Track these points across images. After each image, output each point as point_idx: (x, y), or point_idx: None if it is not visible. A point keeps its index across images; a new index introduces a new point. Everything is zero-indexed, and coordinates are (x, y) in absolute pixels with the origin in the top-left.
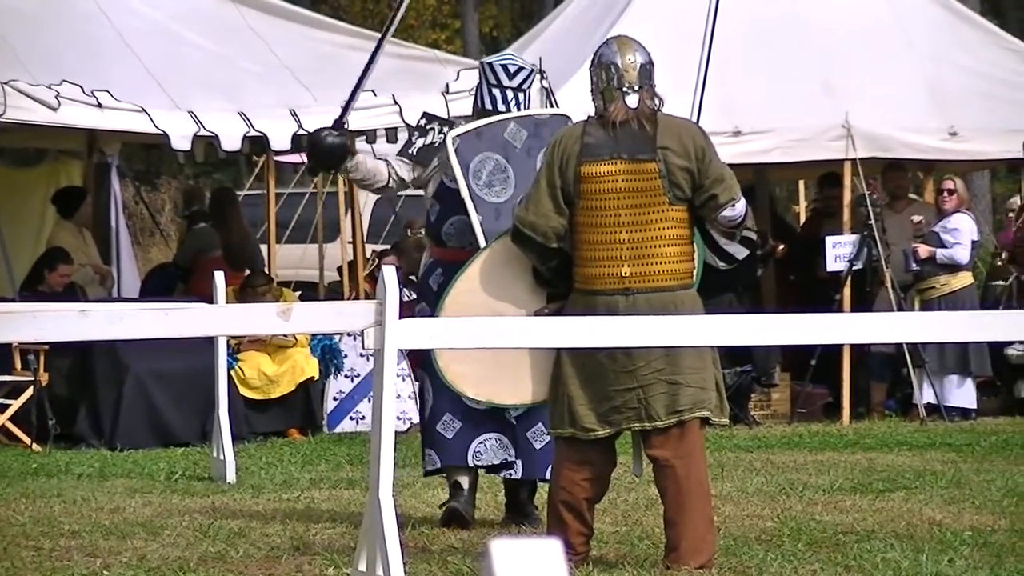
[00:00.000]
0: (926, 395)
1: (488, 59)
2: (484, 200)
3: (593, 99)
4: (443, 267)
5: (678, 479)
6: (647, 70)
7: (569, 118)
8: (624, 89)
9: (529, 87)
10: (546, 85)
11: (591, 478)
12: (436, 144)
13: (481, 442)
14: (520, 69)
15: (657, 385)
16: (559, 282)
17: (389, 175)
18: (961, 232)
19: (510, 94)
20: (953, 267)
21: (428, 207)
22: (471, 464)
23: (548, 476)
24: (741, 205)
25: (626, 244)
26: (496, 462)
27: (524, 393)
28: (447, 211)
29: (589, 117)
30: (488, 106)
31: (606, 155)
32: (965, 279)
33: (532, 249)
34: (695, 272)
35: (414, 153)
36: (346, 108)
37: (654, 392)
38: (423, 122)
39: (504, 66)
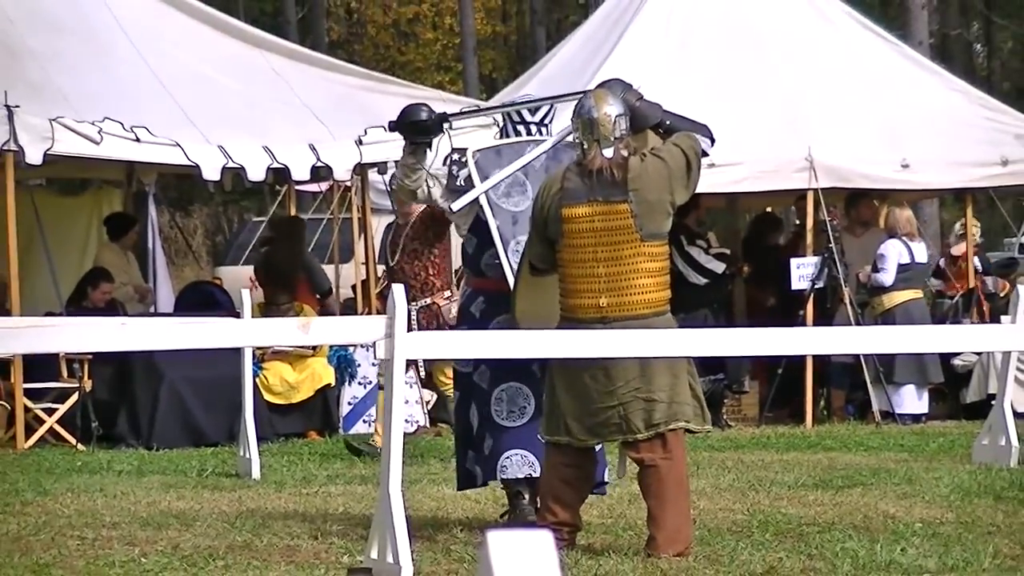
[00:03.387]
0: (881, 402)
1: (511, 101)
2: (501, 207)
3: (574, 146)
4: (484, 295)
5: (660, 478)
6: (620, 121)
7: None
8: (600, 140)
9: (551, 122)
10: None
11: (579, 478)
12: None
13: (508, 457)
14: (540, 108)
15: (635, 403)
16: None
17: (426, 183)
18: (887, 258)
19: (533, 128)
20: (883, 289)
21: (464, 242)
22: (498, 477)
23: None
24: (707, 145)
25: (603, 277)
26: (520, 476)
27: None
28: (485, 244)
29: (570, 164)
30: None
31: (583, 198)
32: (898, 298)
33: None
34: (668, 299)
35: (462, 184)
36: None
37: (633, 409)
38: (455, 156)
39: (528, 109)
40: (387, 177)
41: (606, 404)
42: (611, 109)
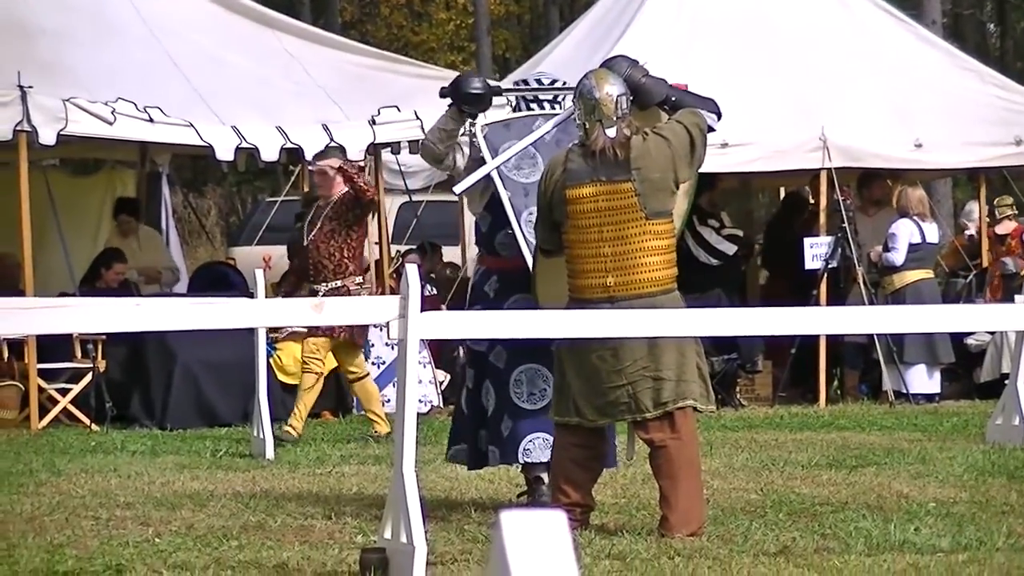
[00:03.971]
0: (894, 382)
1: (524, 75)
2: (512, 179)
3: (577, 127)
4: (498, 275)
5: (671, 458)
6: (621, 100)
7: None
8: (603, 121)
9: (563, 99)
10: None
11: (590, 458)
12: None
13: (532, 440)
14: (554, 80)
15: (643, 381)
16: None
17: (454, 157)
18: (897, 237)
19: (547, 106)
20: (894, 268)
21: (478, 219)
22: (521, 461)
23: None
24: (713, 120)
25: (609, 257)
26: (543, 460)
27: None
28: (499, 222)
29: (572, 146)
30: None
31: (587, 179)
32: (909, 277)
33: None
34: (674, 276)
35: (481, 156)
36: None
37: (641, 388)
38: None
39: (538, 80)
40: (399, 157)
41: (614, 384)
42: (612, 89)
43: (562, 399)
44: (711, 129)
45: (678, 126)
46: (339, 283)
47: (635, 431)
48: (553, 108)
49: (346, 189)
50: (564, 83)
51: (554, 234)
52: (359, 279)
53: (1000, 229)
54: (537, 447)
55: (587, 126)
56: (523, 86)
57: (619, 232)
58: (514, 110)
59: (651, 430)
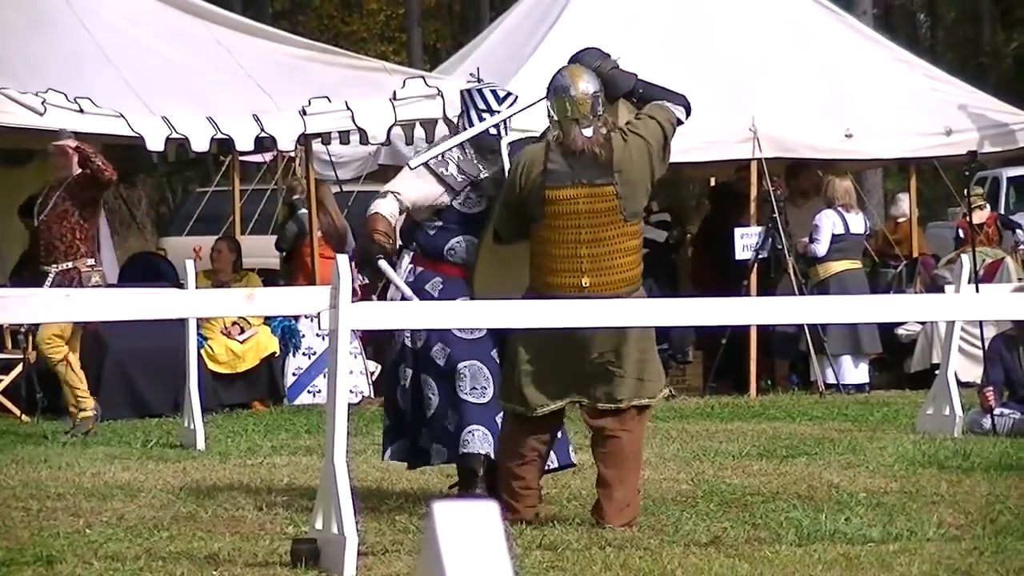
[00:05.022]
0: (824, 373)
1: (474, 87)
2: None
3: (550, 125)
4: (442, 278)
5: (620, 449)
6: (597, 98)
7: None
8: (579, 120)
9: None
10: None
11: (539, 448)
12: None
13: (470, 431)
14: (508, 94)
15: (605, 374)
16: None
17: (402, 210)
18: (820, 228)
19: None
20: (818, 258)
21: (423, 224)
22: (460, 452)
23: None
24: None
25: (586, 258)
26: (480, 451)
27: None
28: (451, 231)
29: (549, 143)
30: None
31: (568, 181)
32: (833, 268)
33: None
34: (641, 273)
35: (457, 179)
36: None
37: (600, 379)
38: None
39: (493, 92)
40: (330, 147)
41: (573, 370)
42: (587, 87)
43: (509, 385)
44: (680, 122)
45: (652, 123)
46: (70, 264)
47: (585, 415)
48: (505, 122)
49: (80, 170)
50: (515, 98)
51: (522, 227)
52: (91, 260)
53: (975, 218)
54: (476, 439)
55: (562, 125)
56: (477, 100)
57: (597, 234)
58: (461, 117)
59: (603, 416)
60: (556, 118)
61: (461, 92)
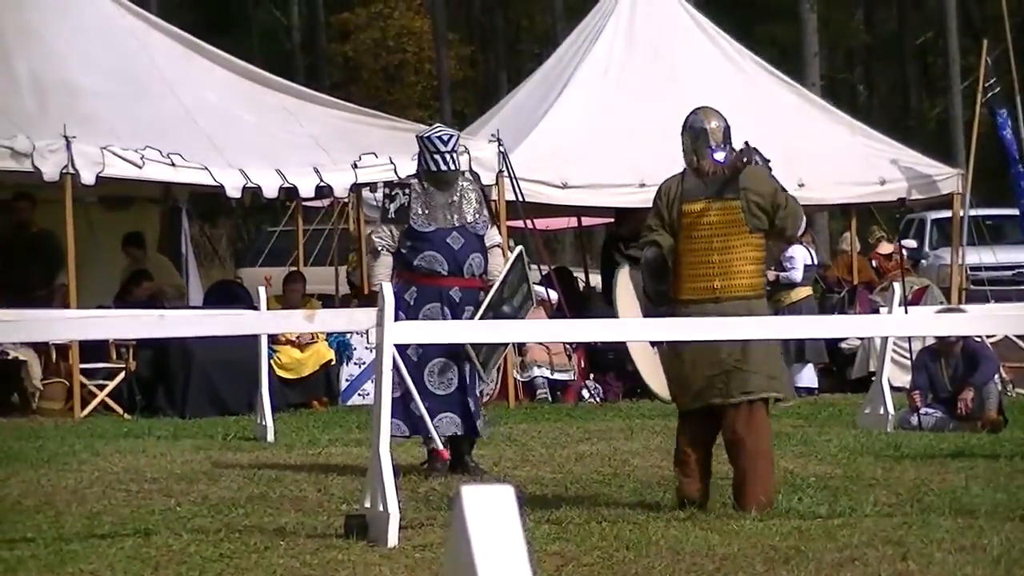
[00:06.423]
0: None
1: (425, 133)
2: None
3: (685, 155)
4: (416, 286)
5: (755, 449)
6: (728, 132)
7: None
8: (712, 147)
9: (457, 148)
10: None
11: (699, 439)
12: (405, 204)
13: (440, 418)
14: (451, 137)
15: (735, 372)
16: (661, 301)
17: (391, 254)
18: (796, 259)
19: (448, 156)
20: (791, 285)
21: (402, 248)
22: (434, 435)
23: (482, 434)
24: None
25: (716, 264)
26: (449, 434)
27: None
28: (419, 248)
29: (685, 170)
30: (434, 168)
31: (701, 196)
32: (802, 293)
33: (653, 269)
34: (764, 282)
35: (392, 216)
36: None
37: (731, 377)
38: (387, 191)
39: (440, 137)
40: (377, 195)
41: (710, 373)
42: (718, 123)
43: (671, 388)
44: (792, 235)
45: (783, 194)
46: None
47: (723, 424)
48: (453, 157)
49: None
50: (457, 137)
51: (671, 242)
52: None
53: (882, 250)
54: (444, 424)
55: (696, 151)
56: (427, 144)
57: (725, 243)
58: (421, 165)
59: (736, 419)
60: (692, 148)
61: (417, 137)
